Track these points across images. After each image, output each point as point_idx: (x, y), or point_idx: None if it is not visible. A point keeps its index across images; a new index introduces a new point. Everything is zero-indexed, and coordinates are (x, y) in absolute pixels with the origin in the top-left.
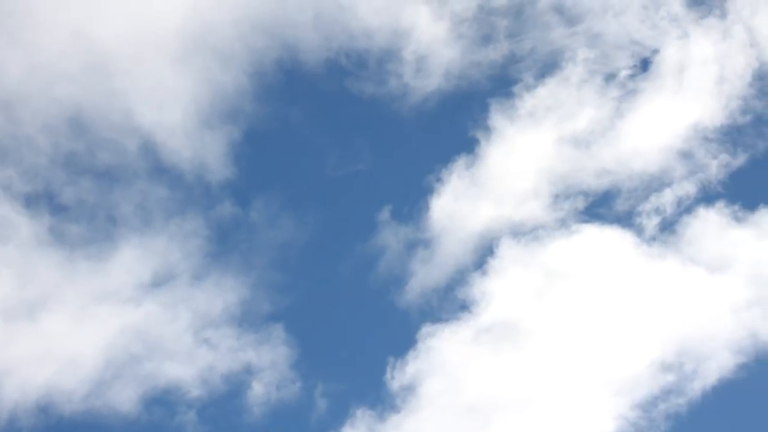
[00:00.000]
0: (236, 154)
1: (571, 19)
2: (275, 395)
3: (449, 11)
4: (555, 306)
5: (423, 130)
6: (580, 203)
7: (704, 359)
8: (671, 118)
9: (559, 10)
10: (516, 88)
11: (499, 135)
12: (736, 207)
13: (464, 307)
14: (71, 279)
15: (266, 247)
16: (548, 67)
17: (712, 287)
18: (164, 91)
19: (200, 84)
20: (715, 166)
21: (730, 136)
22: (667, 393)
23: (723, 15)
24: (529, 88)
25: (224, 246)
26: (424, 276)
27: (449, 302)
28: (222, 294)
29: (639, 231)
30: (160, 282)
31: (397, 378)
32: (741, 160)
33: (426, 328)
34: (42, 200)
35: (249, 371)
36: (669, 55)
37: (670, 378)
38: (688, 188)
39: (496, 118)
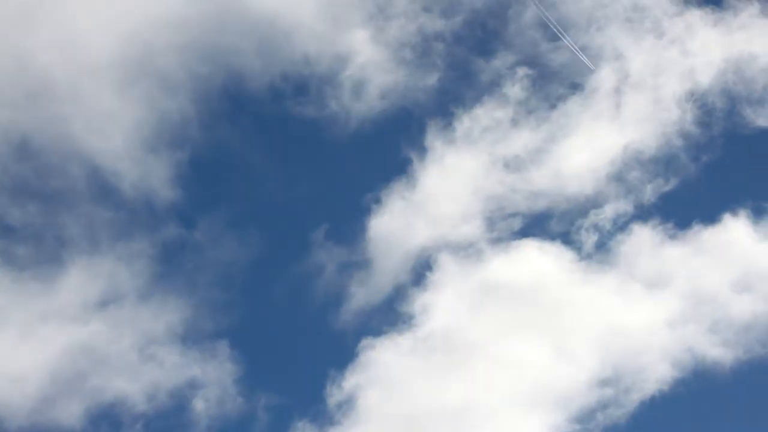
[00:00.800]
0: (181, 177)
1: (509, 43)
2: (219, 409)
3: (389, 36)
4: (493, 320)
5: (362, 153)
6: (517, 223)
7: (641, 373)
8: (606, 141)
9: (499, 35)
10: (454, 111)
11: (436, 156)
12: (670, 225)
13: (403, 320)
14: (19, 299)
15: (210, 267)
16: (486, 89)
17: (649, 303)
18: (107, 117)
19: (144, 110)
20: (649, 189)
21: (664, 160)
22: (604, 405)
23: (659, 36)
24: (467, 111)
25: (169, 266)
26: (364, 291)
27: (388, 316)
28: (167, 312)
29: (576, 248)
30: (106, 301)
31: (337, 391)
32: (673, 183)
33: (366, 341)
34: None
35: (193, 386)
36: (605, 78)
37: (608, 391)
38: (624, 207)
39: (434, 140)
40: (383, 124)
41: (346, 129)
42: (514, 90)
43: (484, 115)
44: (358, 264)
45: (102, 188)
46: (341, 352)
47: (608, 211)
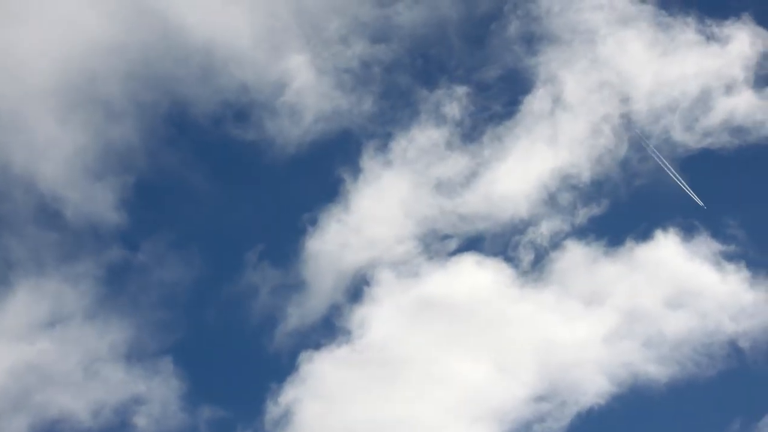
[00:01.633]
0: (125, 201)
1: (446, 67)
2: (163, 424)
3: (327, 62)
4: (431, 335)
5: (299, 175)
6: (452, 244)
7: (578, 387)
8: (540, 163)
9: (438, 60)
10: (390, 134)
11: (372, 178)
12: (604, 242)
13: (341, 335)
14: None
15: (154, 287)
16: (423, 113)
17: (585, 319)
18: (50, 144)
19: (88, 136)
20: (583, 211)
21: (597, 182)
22: (541, 419)
23: (594, 59)
24: (404, 133)
25: (114, 287)
26: (302, 307)
27: (326, 331)
28: (113, 331)
29: (514, 265)
30: (53, 321)
31: (276, 404)
32: (606, 204)
33: (304, 355)
34: None
35: (138, 402)
36: (541, 101)
37: (545, 405)
38: (560, 225)
39: (369, 163)
40: (320, 147)
41: (284, 153)
42: (451, 113)
43: (420, 137)
44: (295, 282)
45: (46, 213)
46: (281, 367)
47: (544, 229)
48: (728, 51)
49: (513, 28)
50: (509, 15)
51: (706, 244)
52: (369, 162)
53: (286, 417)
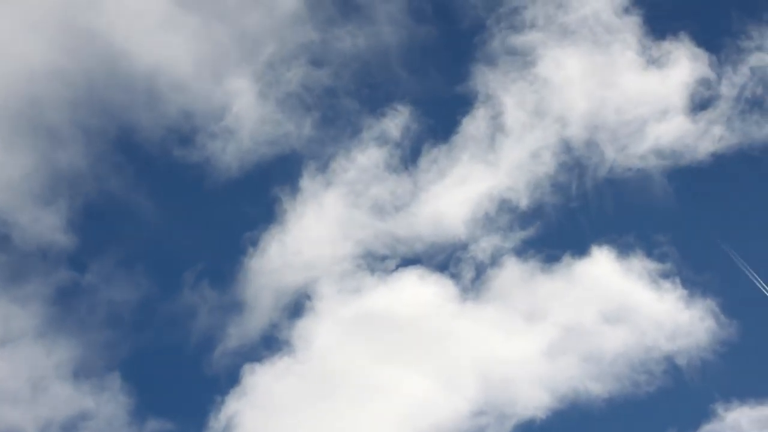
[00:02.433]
0: (73, 225)
1: (386, 89)
2: None
3: (270, 85)
4: (372, 349)
5: (239, 197)
6: (391, 264)
7: (518, 403)
8: (479, 185)
9: (380, 84)
10: (331, 155)
11: (312, 199)
12: (542, 257)
13: (283, 348)
14: None
15: (101, 306)
16: (364, 135)
17: (525, 334)
18: None
19: (35, 162)
20: (520, 232)
21: (534, 205)
22: None
23: (533, 80)
24: (345, 155)
25: (63, 307)
26: (246, 322)
27: (269, 344)
28: (61, 350)
29: (455, 281)
30: (2, 341)
31: (220, 416)
32: (542, 226)
33: (247, 368)
34: None
35: (86, 417)
36: (480, 123)
37: (485, 419)
38: (499, 243)
39: (310, 184)
40: (261, 169)
41: (226, 175)
42: (392, 135)
43: (360, 158)
44: (237, 299)
45: None
46: (224, 380)
47: (484, 247)
48: (666, 73)
49: (454, 51)
50: (450, 38)
51: (642, 263)
52: (309, 183)
53: (229, 428)
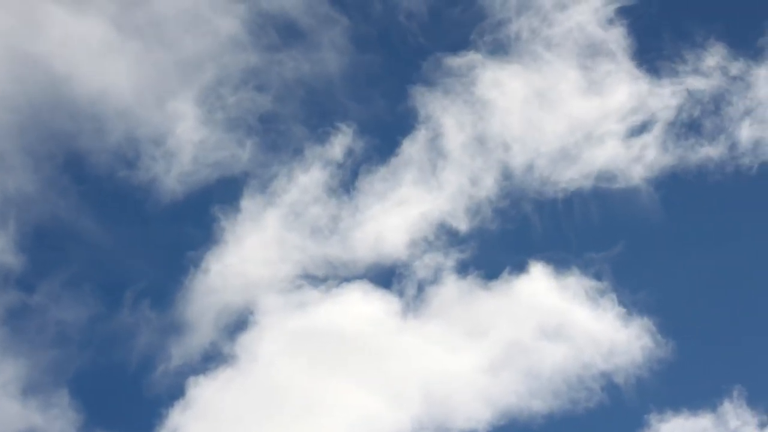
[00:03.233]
0: (23, 247)
1: (329, 112)
2: None
3: (211, 109)
4: (317, 363)
5: (183, 217)
6: (334, 280)
7: (460, 419)
8: (418, 208)
9: (322, 106)
10: (273, 176)
11: (256, 220)
12: (482, 273)
13: (227, 361)
14: None
15: (50, 325)
16: (306, 157)
17: (467, 350)
18: None
19: None
20: (460, 250)
21: (474, 225)
22: None
23: (474, 103)
24: (287, 177)
25: (12, 327)
26: (191, 336)
27: (213, 357)
28: (10, 369)
29: (398, 299)
30: None
31: (166, 428)
32: (482, 242)
33: (192, 380)
34: None
35: None
36: (421, 145)
37: None
38: (440, 262)
39: (252, 205)
40: (203, 190)
41: (169, 197)
42: (333, 157)
43: (302, 179)
44: (181, 316)
45: None
46: (170, 393)
47: (425, 265)
48: (604, 96)
49: (397, 75)
50: (394, 62)
51: (579, 282)
52: (250, 204)
53: None
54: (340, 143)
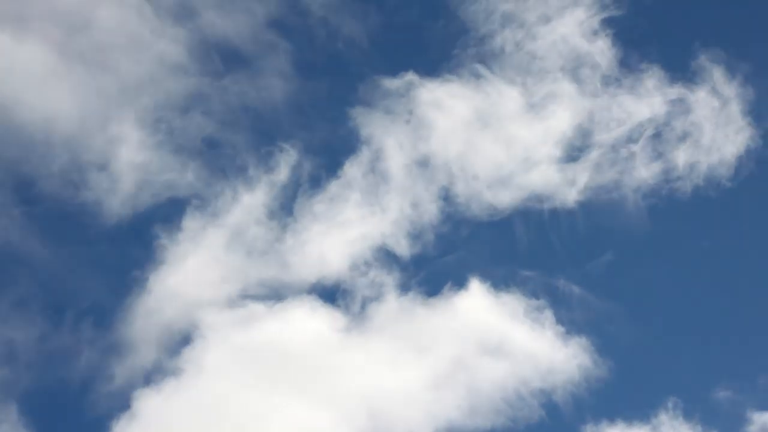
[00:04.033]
0: None
1: (273, 134)
2: None
3: (156, 132)
4: (262, 378)
5: (127, 238)
6: (276, 301)
7: None
8: (359, 231)
9: (266, 128)
10: (216, 197)
11: (198, 240)
12: (424, 290)
13: (172, 374)
14: None
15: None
16: (249, 178)
17: (411, 366)
18: None
19: None
20: (402, 273)
21: (416, 256)
22: None
23: (415, 128)
24: (231, 199)
25: None
26: (136, 351)
27: (159, 370)
28: None
29: (343, 315)
30: None
31: None
32: (422, 266)
33: (138, 393)
34: None
35: None
36: (362, 169)
37: None
38: (383, 280)
39: (196, 225)
40: (146, 212)
41: (114, 219)
42: (276, 179)
43: (247, 200)
44: (125, 334)
45: None
46: (117, 406)
47: (368, 282)
48: (544, 120)
49: (341, 99)
50: (338, 87)
51: (518, 300)
52: (193, 224)
53: None
54: (284, 165)
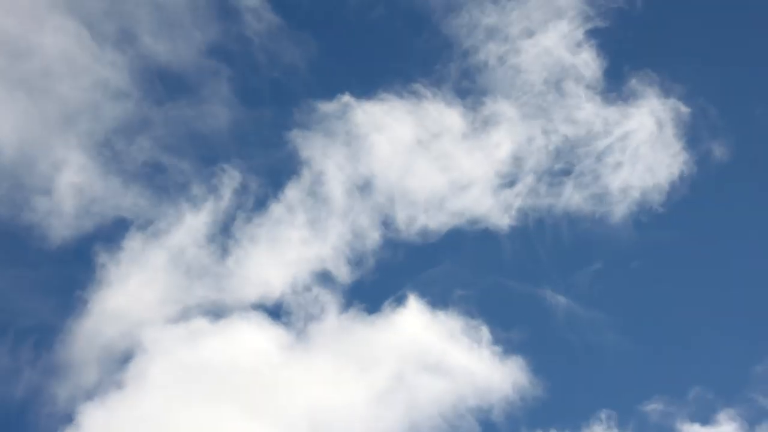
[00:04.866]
0: None
1: (215, 156)
2: None
3: (100, 155)
4: (207, 395)
5: (69, 260)
6: (217, 319)
7: None
8: (298, 255)
9: (210, 150)
10: (159, 218)
11: (140, 261)
12: (365, 307)
13: (118, 389)
14: None
15: None
16: (192, 200)
17: (354, 383)
18: None
19: None
20: (342, 289)
21: (355, 273)
22: None
23: (357, 153)
24: (173, 220)
25: None
26: (80, 369)
27: (102, 384)
28: None
29: (287, 332)
30: None
31: None
32: (364, 281)
33: (82, 407)
34: None
35: None
36: (302, 193)
37: None
38: (326, 298)
39: (138, 246)
40: (88, 233)
41: (57, 241)
42: (217, 201)
43: (190, 221)
44: (68, 354)
45: None
46: (62, 421)
47: (310, 299)
48: (482, 141)
49: (281, 120)
50: (279, 107)
51: (455, 318)
52: (135, 245)
53: None
54: (225, 188)
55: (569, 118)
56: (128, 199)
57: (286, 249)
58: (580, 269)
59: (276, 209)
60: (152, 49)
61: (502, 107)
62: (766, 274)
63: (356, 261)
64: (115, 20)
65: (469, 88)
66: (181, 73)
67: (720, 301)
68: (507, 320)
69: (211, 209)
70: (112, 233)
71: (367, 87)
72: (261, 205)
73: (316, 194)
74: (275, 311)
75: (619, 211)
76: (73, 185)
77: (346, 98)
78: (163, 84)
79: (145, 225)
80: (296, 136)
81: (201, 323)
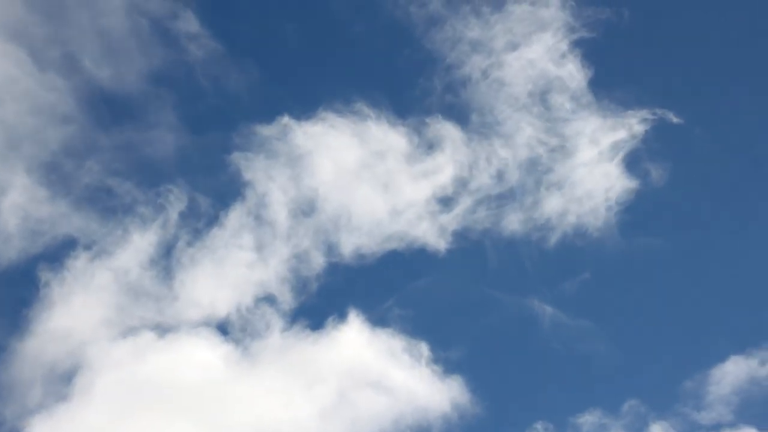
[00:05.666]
0: None
1: (163, 176)
2: None
3: (44, 177)
4: (155, 411)
5: (14, 281)
6: (160, 336)
7: None
8: (244, 276)
9: (157, 171)
10: (103, 241)
11: (85, 280)
12: (309, 323)
13: (64, 403)
14: None
15: None
16: (138, 219)
17: (299, 399)
18: None
19: None
20: (289, 306)
21: (302, 306)
22: None
23: (300, 178)
24: (120, 240)
25: None
26: (23, 387)
27: (48, 403)
28: None
29: (234, 349)
30: None
31: None
32: (306, 303)
33: (28, 421)
34: None
35: None
36: (247, 217)
37: None
38: (270, 316)
39: (83, 266)
40: (33, 254)
41: (4, 262)
42: (162, 223)
43: (136, 241)
44: (11, 372)
45: None
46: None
47: (257, 317)
48: (424, 163)
49: (225, 143)
50: (225, 129)
51: (395, 337)
52: (80, 265)
53: None
54: (170, 210)
55: (507, 144)
56: (73, 221)
57: (230, 271)
58: (525, 288)
59: (220, 232)
60: (96, 75)
61: (447, 128)
62: (698, 291)
63: (300, 286)
64: (57, 46)
65: (452, 102)
66: (126, 98)
67: (652, 317)
68: (446, 339)
69: (156, 231)
70: (56, 253)
71: (306, 108)
72: (206, 226)
73: (260, 217)
74: (221, 327)
75: (553, 233)
76: (17, 207)
77: (285, 120)
78: (109, 109)
79: (90, 245)
80: (238, 159)
81: (147, 339)
